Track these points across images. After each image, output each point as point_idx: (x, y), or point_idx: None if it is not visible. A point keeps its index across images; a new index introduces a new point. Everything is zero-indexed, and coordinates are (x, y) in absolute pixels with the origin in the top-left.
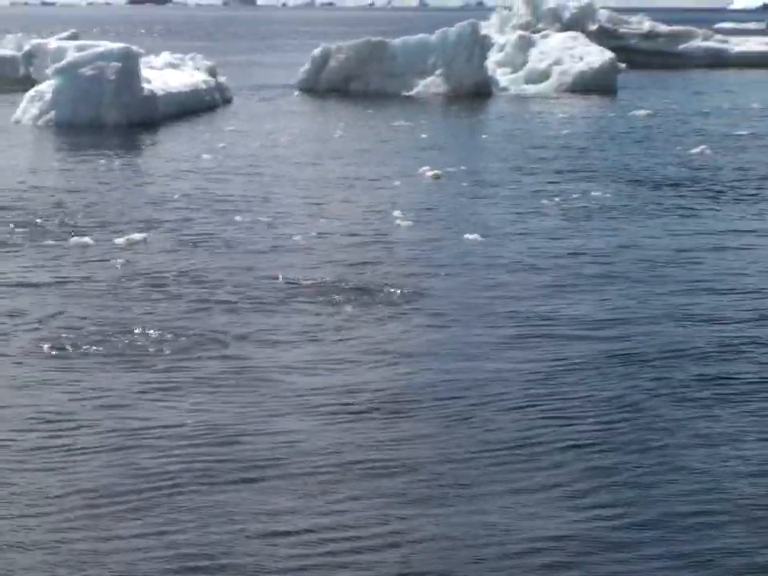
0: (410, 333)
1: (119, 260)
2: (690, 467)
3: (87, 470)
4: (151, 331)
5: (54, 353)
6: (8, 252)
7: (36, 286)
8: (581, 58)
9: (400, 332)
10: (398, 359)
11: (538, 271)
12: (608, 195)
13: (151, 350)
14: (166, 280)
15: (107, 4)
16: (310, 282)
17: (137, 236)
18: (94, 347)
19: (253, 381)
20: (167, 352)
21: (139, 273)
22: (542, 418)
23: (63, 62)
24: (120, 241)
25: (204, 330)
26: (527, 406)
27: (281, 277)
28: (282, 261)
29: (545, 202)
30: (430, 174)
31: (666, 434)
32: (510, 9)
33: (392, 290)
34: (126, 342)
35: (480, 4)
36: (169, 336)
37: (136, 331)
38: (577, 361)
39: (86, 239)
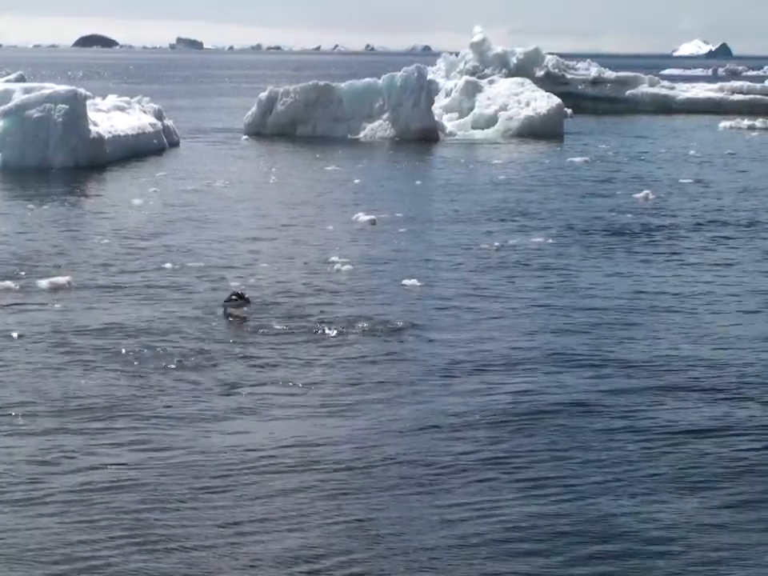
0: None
1: (42, 305)
2: None
3: None
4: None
5: None
6: None
7: None
8: (528, 104)
9: (343, 378)
10: (335, 405)
11: (478, 317)
12: (549, 241)
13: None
14: (86, 328)
15: (53, 46)
16: (254, 330)
17: (60, 279)
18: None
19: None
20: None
21: (57, 320)
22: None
23: (10, 105)
24: (43, 284)
25: (127, 386)
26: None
27: (219, 323)
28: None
29: (484, 247)
30: (364, 219)
31: None
32: (457, 54)
33: (342, 336)
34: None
35: (427, 49)
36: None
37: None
38: (508, 401)
39: (8, 282)
